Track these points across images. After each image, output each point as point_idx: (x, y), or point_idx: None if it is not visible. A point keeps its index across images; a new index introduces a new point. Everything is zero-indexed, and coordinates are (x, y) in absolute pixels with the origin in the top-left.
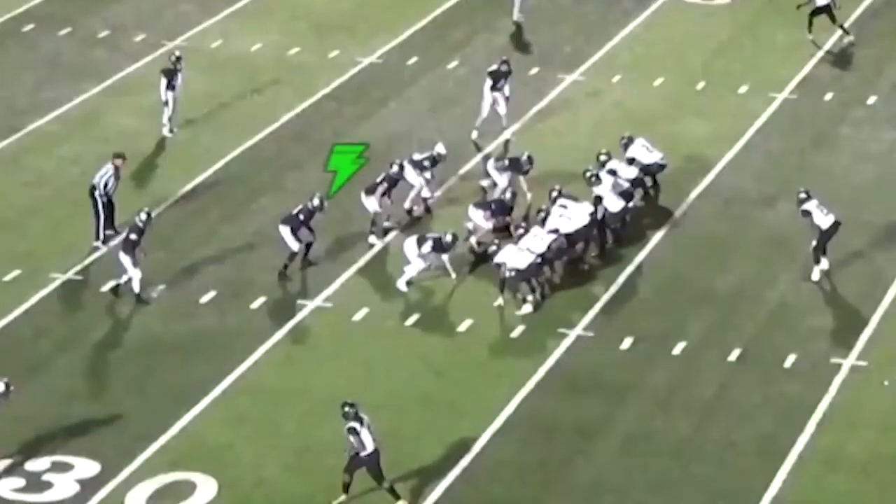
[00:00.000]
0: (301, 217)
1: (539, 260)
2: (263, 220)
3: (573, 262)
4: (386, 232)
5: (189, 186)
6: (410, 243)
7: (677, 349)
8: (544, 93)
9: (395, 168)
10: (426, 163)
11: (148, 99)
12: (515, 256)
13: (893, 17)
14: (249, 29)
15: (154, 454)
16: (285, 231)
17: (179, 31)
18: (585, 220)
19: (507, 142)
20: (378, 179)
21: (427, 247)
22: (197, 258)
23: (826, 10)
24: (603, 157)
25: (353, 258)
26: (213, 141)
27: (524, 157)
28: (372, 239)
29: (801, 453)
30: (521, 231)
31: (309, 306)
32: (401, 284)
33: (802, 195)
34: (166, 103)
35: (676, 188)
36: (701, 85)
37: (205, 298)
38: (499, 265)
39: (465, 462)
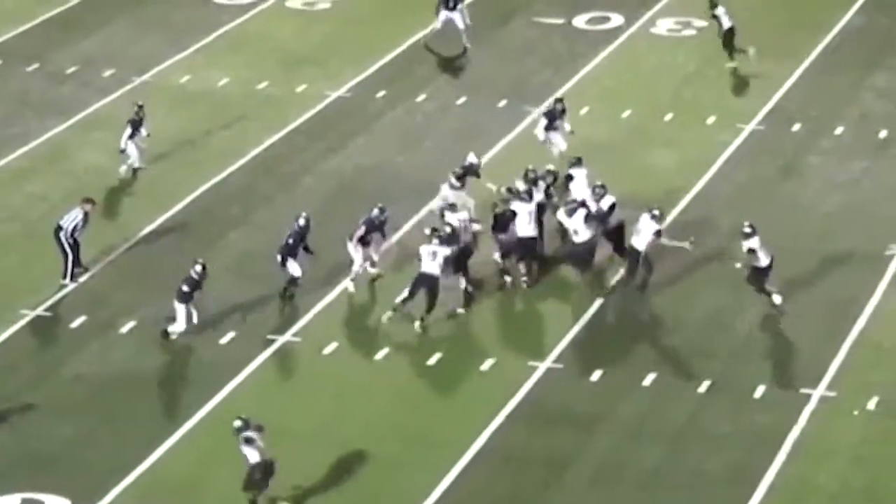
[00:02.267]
0: (292, 241)
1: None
2: (233, 254)
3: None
4: (374, 280)
5: (158, 222)
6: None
7: (647, 380)
8: (512, 125)
9: (376, 212)
10: (458, 178)
11: (116, 135)
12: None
13: (859, 46)
14: (217, 63)
15: (124, 490)
16: (287, 261)
17: (147, 67)
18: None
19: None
20: (360, 222)
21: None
22: (166, 294)
23: (730, 31)
24: (599, 190)
25: (322, 293)
26: (182, 175)
27: (473, 159)
28: (350, 286)
29: (772, 483)
30: (477, 227)
31: (279, 341)
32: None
33: (747, 230)
34: (123, 151)
35: None
36: (669, 116)
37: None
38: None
39: (436, 493)
